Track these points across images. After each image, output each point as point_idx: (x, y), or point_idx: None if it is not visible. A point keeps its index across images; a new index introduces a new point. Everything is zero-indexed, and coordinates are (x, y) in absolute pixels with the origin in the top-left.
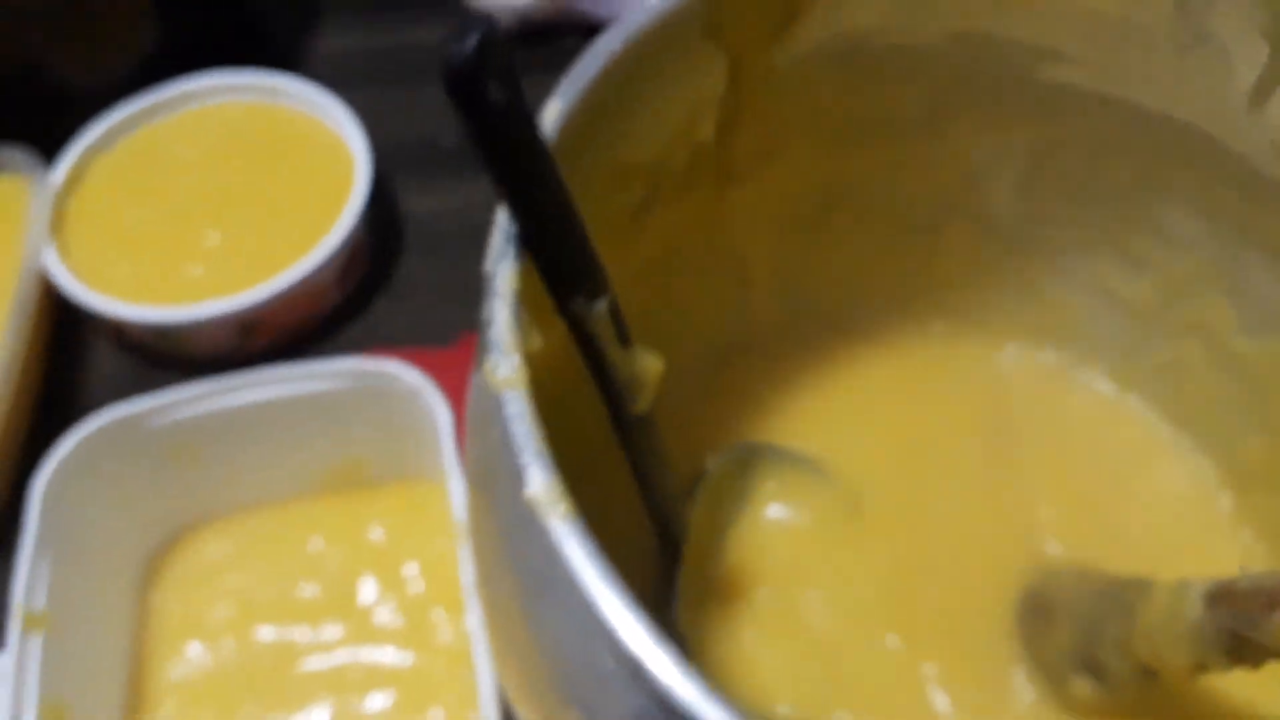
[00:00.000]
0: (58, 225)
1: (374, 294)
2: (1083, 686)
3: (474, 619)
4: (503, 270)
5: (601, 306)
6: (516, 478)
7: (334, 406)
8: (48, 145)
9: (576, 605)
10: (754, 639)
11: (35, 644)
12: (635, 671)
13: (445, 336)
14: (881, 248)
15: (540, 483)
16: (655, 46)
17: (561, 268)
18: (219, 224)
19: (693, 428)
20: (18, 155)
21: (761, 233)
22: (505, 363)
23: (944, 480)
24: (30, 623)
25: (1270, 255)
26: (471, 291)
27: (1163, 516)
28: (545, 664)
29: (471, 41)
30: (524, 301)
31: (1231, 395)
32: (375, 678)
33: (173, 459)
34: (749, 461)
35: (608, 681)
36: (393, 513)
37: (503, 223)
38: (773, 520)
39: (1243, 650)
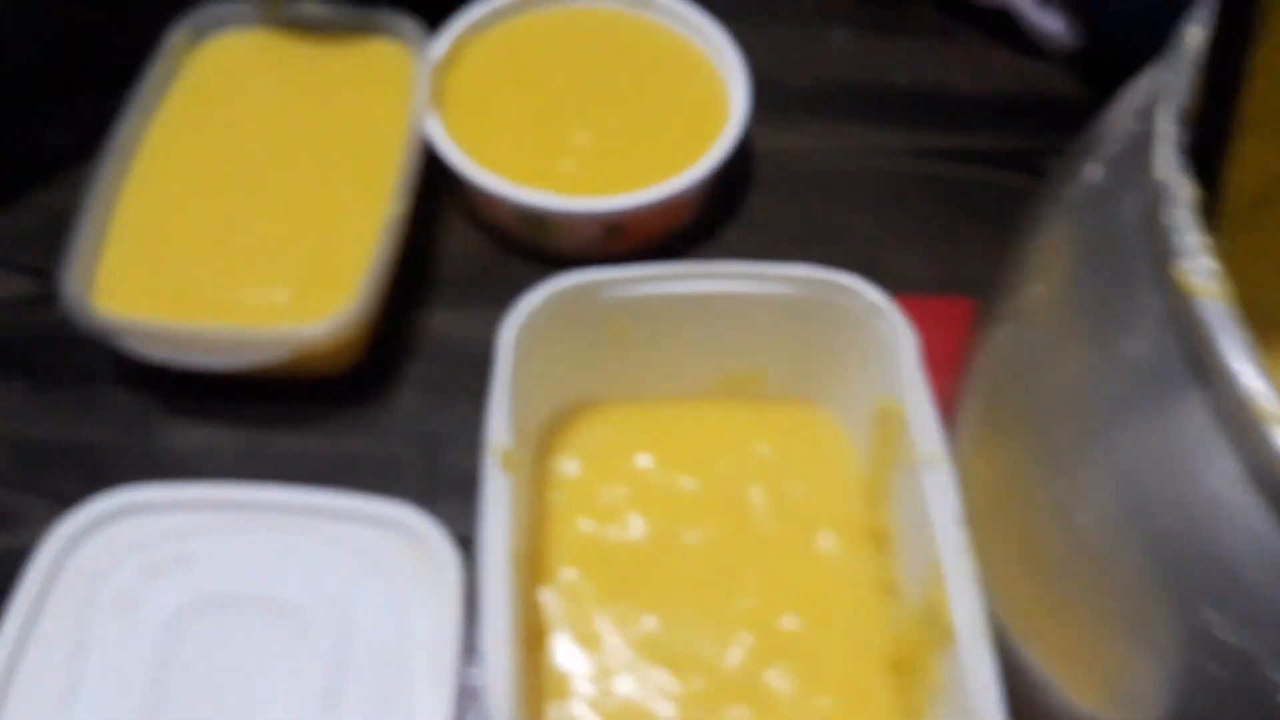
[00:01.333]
0: (437, 98)
1: (724, 222)
2: None
3: (948, 547)
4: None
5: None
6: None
7: (780, 310)
8: (430, 18)
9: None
10: None
11: (511, 482)
12: None
13: None
14: None
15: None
16: None
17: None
18: (588, 124)
19: None
20: (405, 23)
21: None
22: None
23: None
24: (507, 463)
25: None
26: (822, 235)
27: None
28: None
29: None
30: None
31: None
32: (762, 584)
33: (604, 333)
34: None
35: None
36: (782, 430)
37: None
38: None
39: None
